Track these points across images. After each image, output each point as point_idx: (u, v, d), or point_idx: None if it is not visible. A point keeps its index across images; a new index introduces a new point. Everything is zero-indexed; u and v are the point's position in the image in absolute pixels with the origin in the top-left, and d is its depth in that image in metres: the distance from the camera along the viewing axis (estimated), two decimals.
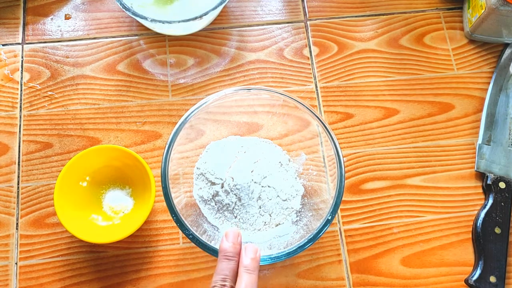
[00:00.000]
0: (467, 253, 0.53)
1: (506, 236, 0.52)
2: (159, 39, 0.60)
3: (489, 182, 0.54)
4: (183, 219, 0.44)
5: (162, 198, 0.45)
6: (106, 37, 0.60)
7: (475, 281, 0.50)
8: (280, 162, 0.51)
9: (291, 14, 0.62)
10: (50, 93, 0.58)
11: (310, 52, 0.60)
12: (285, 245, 0.45)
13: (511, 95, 0.58)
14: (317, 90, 0.59)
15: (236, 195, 0.48)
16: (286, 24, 0.62)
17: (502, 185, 0.54)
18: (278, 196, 0.49)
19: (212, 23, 0.61)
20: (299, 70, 0.60)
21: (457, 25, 0.62)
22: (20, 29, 0.60)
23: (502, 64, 0.59)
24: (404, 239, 0.53)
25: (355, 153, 0.56)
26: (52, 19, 0.61)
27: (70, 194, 0.49)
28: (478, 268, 0.51)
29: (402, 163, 0.56)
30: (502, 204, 0.53)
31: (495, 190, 0.53)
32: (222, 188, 0.49)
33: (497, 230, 0.52)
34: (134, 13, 0.53)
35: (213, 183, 0.49)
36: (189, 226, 0.44)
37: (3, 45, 0.60)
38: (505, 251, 0.51)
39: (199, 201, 0.50)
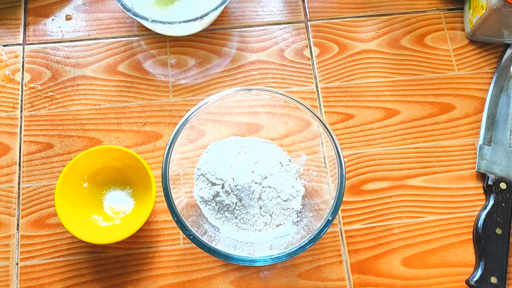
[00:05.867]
0: (468, 253, 0.53)
1: (507, 236, 0.52)
2: (159, 39, 0.60)
3: (490, 182, 0.54)
4: (184, 219, 0.44)
5: (163, 198, 0.46)
6: (107, 38, 0.60)
7: (476, 281, 0.50)
8: (280, 163, 0.51)
9: (292, 15, 0.62)
10: (51, 93, 0.58)
11: (311, 52, 0.60)
12: (285, 246, 0.45)
13: None
14: (317, 90, 0.59)
15: (236, 196, 0.48)
16: (287, 25, 0.62)
17: (503, 185, 0.53)
18: (278, 196, 0.49)
19: (213, 23, 0.61)
20: (300, 71, 0.60)
21: (458, 26, 0.62)
22: (21, 29, 0.60)
23: (503, 64, 0.59)
24: (405, 240, 0.53)
25: (355, 153, 0.56)
26: (53, 19, 0.61)
27: (70, 194, 0.49)
28: (479, 269, 0.51)
29: (403, 164, 0.56)
30: (503, 204, 0.53)
31: (496, 190, 0.53)
32: (222, 188, 0.48)
33: (498, 231, 0.52)
34: (135, 14, 0.53)
35: (213, 184, 0.49)
36: (189, 227, 0.44)
37: (4, 45, 0.60)
38: (506, 251, 0.51)
39: (200, 202, 0.50)
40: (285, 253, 0.44)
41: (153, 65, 0.59)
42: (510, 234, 0.52)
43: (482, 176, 0.56)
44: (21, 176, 0.54)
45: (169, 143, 0.46)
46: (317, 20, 0.62)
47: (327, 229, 0.44)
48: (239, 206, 0.48)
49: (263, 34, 0.61)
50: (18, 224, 0.53)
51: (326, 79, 0.59)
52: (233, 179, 0.48)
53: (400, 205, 0.54)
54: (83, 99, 0.58)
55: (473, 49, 0.61)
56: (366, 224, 0.54)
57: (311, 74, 0.59)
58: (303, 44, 0.61)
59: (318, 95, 0.59)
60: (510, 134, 0.56)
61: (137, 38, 0.61)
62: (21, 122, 0.56)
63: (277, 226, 0.50)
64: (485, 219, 0.52)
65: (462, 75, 0.60)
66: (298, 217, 0.50)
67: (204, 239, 0.44)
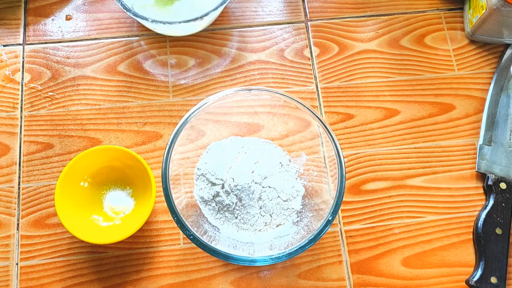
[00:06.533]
0: (468, 253, 0.53)
1: (507, 236, 0.52)
2: (159, 39, 0.60)
3: (490, 182, 0.54)
4: (184, 219, 0.44)
5: (163, 198, 0.46)
6: (107, 38, 0.60)
7: (476, 281, 0.50)
8: (280, 163, 0.51)
9: (292, 15, 0.62)
10: (51, 93, 0.58)
11: (311, 52, 0.60)
12: (286, 246, 0.45)
13: None
14: (317, 90, 0.59)
15: (236, 196, 0.48)
16: (287, 25, 0.62)
17: (503, 185, 0.53)
18: (278, 196, 0.49)
19: (213, 23, 0.61)
20: (300, 71, 0.60)
21: (458, 26, 0.62)
22: (21, 29, 0.60)
23: (503, 64, 0.59)
24: (405, 240, 0.53)
25: (355, 153, 0.56)
26: (53, 19, 0.61)
27: (71, 194, 0.49)
28: (479, 269, 0.51)
29: (403, 164, 0.56)
30: (503, 204, 0.53)
31: (496, 190, 0.53)
32: (222, 188, 0.49)
33: (498, 231, 0.52)
34: (135, 14, 0.53)
35: (213, 184, 0.49)
36: (189, 227, 0.44)
37: (4, 45, 0.60)
38: (506, 251, 0.51)
39: (200, 202, 0.50)
40: (285, 253, 0.44)
41: (153, 65, 0.59)
42: (510, 234, 0.52)
43: (482, 176, 0.56)
44: (21, 176, 0.54)
45: (169, 143, 0.46)
46: (317, 20, 0.62)
47: (327, 229, 0.44)
48: (239, 206, 0.48)
49: (263, 34, 0.61)
50: (18, 224, 0.53)
51: (326, 79, 0.59)
52: (233, 179, 0.48)
53: (400, 205, 0.54)
54: (83, 99, 0.58)
55: (473, 49, 0.61)
56: (366, 224, 0.54)
57: (311, 74, 0.59)
58: (303, 44, 0.61)
59: (318, 95, 0.59)
60: (510, 134, 0.56)
61: (137, 38, 0.61)
62: (21, 122, 0.56)
63: (277, 226, 0.50)
64: (485, 219, 0.52)
65: (462, 75, 0.60)
66: (298, 217, 0.50)
67: (204, 239, 0.44)
